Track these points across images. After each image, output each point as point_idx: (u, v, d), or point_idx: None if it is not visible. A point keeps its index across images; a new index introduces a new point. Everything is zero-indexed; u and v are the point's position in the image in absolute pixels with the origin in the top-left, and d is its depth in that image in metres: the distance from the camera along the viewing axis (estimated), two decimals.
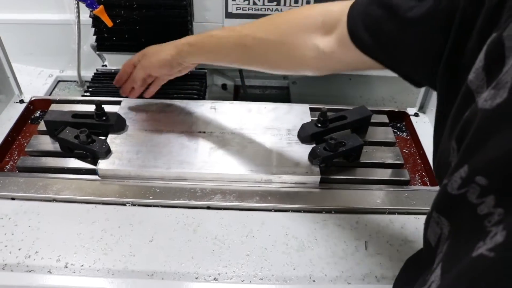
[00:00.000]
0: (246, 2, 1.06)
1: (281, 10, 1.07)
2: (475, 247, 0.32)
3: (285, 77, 1.39)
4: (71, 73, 1.38)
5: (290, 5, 1.06)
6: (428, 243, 0.46)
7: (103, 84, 1.16)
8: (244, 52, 0.75)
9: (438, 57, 0.47)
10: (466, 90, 0.38)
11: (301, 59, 0.68)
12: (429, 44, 0.49)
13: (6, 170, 0.88)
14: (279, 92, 1.39)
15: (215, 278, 0.69)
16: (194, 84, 1.15)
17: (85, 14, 1.15)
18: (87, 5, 0.87)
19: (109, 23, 0.90)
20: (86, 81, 1.34)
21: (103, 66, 1.25)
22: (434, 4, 0.47)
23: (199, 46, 0.81)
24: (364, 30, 0.56)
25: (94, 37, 1.16)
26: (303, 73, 0.73)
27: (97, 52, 1.21)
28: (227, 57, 0.79)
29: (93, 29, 1.13)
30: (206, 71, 1.20)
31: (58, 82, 1.39)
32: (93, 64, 1.29)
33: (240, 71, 1.28)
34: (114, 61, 1.21)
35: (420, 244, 0.74)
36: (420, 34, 0.50)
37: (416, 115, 1.04)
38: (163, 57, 0.86)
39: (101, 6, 0.86)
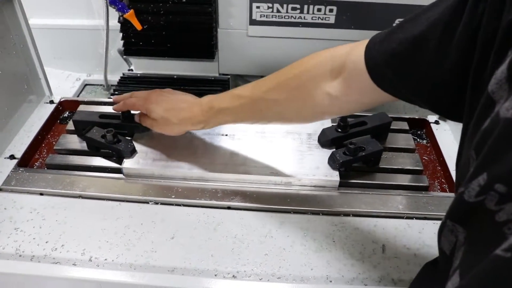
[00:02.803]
0: (270, 10, 1.09)
1: (304, 18, 1.09)
2: (493, 251, 0.33)
3: None
4: (98, 77, 1.42)
5: (313, 13, 1.08)
6: (442, 252, 0.46)
7: (129, 87, 1.20)
8: (261, 115, 0.74)
9: (465, 79, 0.46)
10: (487, 100, 0.38)
11: (316, 109, 0.68)
12: (456, 70, 0.47)
13: (35, 167, 0.92)
14: None
15: (233, 276, 0.71)
16: (217, 89, 1.18)
17: (113, 20, 1.19)
18: (118, 9, 0.90)
19: (138, 26, 0.93)
20: (112, 85, 1.38)
21: (129, 70, 1.29)
22: (460, 27, 0.46)
23: (212, 123, 0.80)
24: (387, 68, 0.54)
25: (121, 42, 1.20)
26: (321, 120, 0.74)
27: (124, 56, 1.25)
28: (248, 120, 0.77)
29: (121, 34, 1.16)
30: (229, 76, 1.23)
31: (85, 85, 1.44)
32: (119, 68, 1.33)
33: None
34: (140, 66, 1.24)
35: (438, 249, 0.75)
36: (450, 61, 0.48)
37: (436, 122, 1.04)
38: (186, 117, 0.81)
39: (132, 10, 0.90)
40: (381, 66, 0.55)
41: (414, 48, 0.51)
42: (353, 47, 0.60)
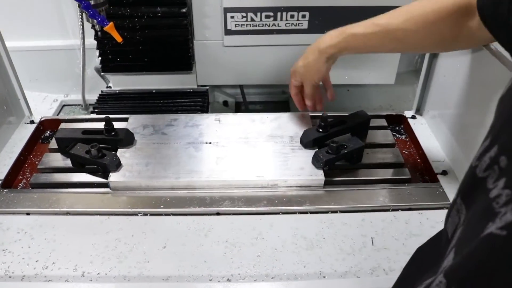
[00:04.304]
0: (244, 19, 1.11)
1: (278, 25, 1.11)
2: (484, 228, 0.33)
3: (284, 92, 1.43)
4: (75, 97, 1.42)
5: (286, 19, 1.10)
6: (446, 234, 0.46)
7: (108, 104, 1.20)
8: (397, 43, 0.81)
9: None
10: None
11: (449, 44, 0.77)
12: None
13: (19, 187, 0.91)
14: (279, 107, 1.42)
15: (228, 279, 0.71)
16: (197, 100, 1.19)
17: (88, 38, 1.19)
18: (98, 22, 0.91)
19: (118, 38, 0.94)
20: (90, 104, 1.38)
21: (107, 87, 1.29)
22: None
23: (347, 49, 0.84)
24: (489, 11, 0.59)
25: (97, 60, 1.20)
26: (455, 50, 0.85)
27: (102, 73, 1.25)
28: (380, 48, 0.85)
29: (97, 52, 1.17)
30: (207, 87, 1.24)
31: (63, 106, 1.43)
32: (96, 87, 1.33)
33: (241, 88, 1.32)
34: (118, 82, 1.25)
35: (425, 238, 0.77)
36: None
37: (413, 117, 1.07)
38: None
39: (111, 23, 0.90)
40: (485, 5, 0.61)
41: None
42: None
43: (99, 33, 0.98)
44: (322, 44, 0.85)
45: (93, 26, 1.06)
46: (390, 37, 0.79)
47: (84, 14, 1.07)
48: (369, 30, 0.79)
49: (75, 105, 1.43)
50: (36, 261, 0.74)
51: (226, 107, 1.40)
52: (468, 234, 0.37)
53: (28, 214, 0.83)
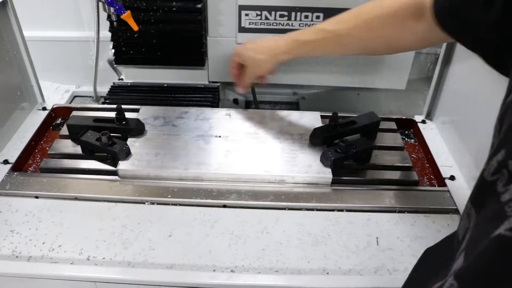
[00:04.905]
0: (259, 17, 1.12)
1: (292, 25, 1.12)
2: (494, 230, 0.33)
3: (294, 93, 1.43)
4: (87, 89, 1.43)
5: (300, 20, 1.11)
6: (457, 238, 0.46)
7: (119, 96, 1.21)
8: (344, 49, 0.84)
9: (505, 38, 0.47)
10: None
11: (399, 45, 0.76)
12: (497, 28, 0.48)
13: (29, 171, 0.92)
14: (289, 107, 1.43)
15: (232, 270, 0.71)
16: (208, 96, 1.20)
17: (103, 31, 1.20)
18: (116, 10, 0.92)
19: (135, 27, 0.95)
20: (101, 96, 1.39)
21: (119, 79, 1.30)
22: None
23: (295, 53, 0.87)
24: (449, 15, 0.59)
25: (110, 53, 1.21)
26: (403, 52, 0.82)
27: (115, 65, 1.26)
28: (325, 54, 0.89)
29: (110, 45, 1.18)
30: (219, 84, 1.25)
31: (74, 97, 1.44)
32: (107, 80, 1.33)
33: (252, 86, 1.32)
34: (131, 75, 1.26)
35: (430, 241, 0.77)
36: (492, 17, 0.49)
37: (423, 122, 1.07)
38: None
39: (128, 11, 0.92)
40: (443, 10, 0.61)
41: None
42: None
43: (115, 23, 0.99)
44: (277, 50, 0.87)
45: (109, 17, 1.08)
46: (338, 43, 0.81)
47: (100, 4, 1.08)
48: (319, 37, 0.82)
49: (86, 96, 1.44)
50: (43, 243, 0.75)
51: (236, 105, 1.40)
52: (478, 237, 0.37)
53: (37, 197, 0.83)
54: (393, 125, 1.03)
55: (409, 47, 0.80)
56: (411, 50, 0.82)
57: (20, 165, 0.92)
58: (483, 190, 0.38)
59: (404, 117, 1.07)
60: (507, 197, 0.33)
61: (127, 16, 0.92)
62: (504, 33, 0.47)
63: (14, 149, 0.95)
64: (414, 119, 1.08)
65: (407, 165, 0.91)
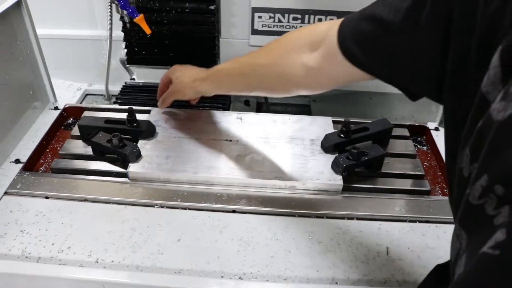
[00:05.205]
0: (272, 20, 1.11)
1: None
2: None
3: (306, 96, 1.42)
4: (99, 87, 1.43)
5: (314, 22, 1.10)
6: (451, 259, 0.46)
7: (131, 96, 1.21)
8: (245, 80, 0.81)
9: (436, 64, 0.47)
10: (481, 100, 0.38)
11: (291, 78, 0.71)
12: (424, 51, 0.49)
13: (40, 171, 0.92)
14: (300, 110, 1.42)
15: (240, 277, 0.71)
16: (219, 98, 1.19)
17: (115, 30, 1.20)
18: (129, 13, 0.92)
19: (147, 30, 0.95)
20: (113, 95, 1.39)
21: (131, 79, 1.30)
22: (426, 10, 0.47)
23: (210, 80, 0.89)
24: (355, 45, 0.57)
25: (123, 52, 1.21)
26: (297, 93, 0.75)
27: (127, 65, 1.26)
28: (234, 87, 0.87)
29: (122, 44, 1.18)
30: None
31: (86, 95, 1.44)
32: (119, 79, 1.34)
33: None
34: (142, 75, 1.26)
35: (441, 252, 0.76)
36: (412, 42, 0.50)
37: (436, 129, 1.06)
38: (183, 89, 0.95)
39: (141, 15, 0.92)
40: (350, 42, 0.58)
41: (380, 30, 0.53)
42: (333, 23, 0.63)
43: (127, 24, 0.99)
44: (197, 76, 0.91)
45: (121, 18, 1.08)
46: (243, 72, 0.81)
47: (114, 5, 1.08)
48: (233, 66, 0.83)
49: (98, 95, 1.45)
50: (52, 244, 0.75)
51: (247, 107, 1.39)
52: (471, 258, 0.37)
53: (47, 197, 0.84)
54: (405, 132, 1.02)
55: (301, 84, 0.73)
56: (308, 91, 0.75)
57: (31, 165, 0.92)
58: (471, 213, 0.38)
59: (417, 124, 1.06)
60: (500, 221, 0.33)
61: (140, 19, 0.92)
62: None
63: (25, 149, 0.95)
64: (427, 126, 1.07)
65: (419, 173, 0.90)
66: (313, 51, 0.66)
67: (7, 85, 0.93)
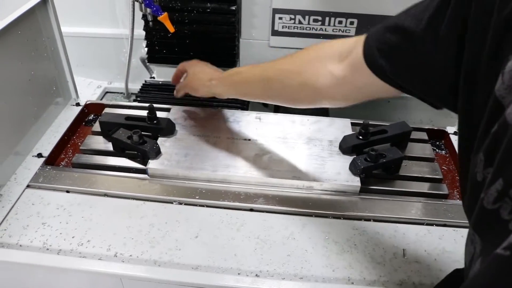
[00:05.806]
0: (292, 21, 1.11)
1: (325, 30, 1.12)
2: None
3: None
4: (118, 85, 1.45)
5: (334, 25, 1.10)
6: (465, 264, 0.46)
7: (151, 94, 1.22)
8: (265, 85, 0.79)
9: (451, 73, 0.47)
10: (495, 104, 0.38)
11: (316, 87, 0.69)
12: (442, 61, 0.49)
13: (61, 166, 0.94)
14: (318, 111, 1.42)
15: (256, 275, 0.72)
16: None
17: (137, 29, 1.22)
18: (153, 12, 0.94)
19: (171, 29, 0.96)
20: (132, 93, 1.41)
21: (151, 78, 1.32)
22: (446, 19, 0.47)
23: (228, 82, 0.88)
24: (380, 56, 0.57)
25: (143, 51, 1.23)
26: (317, 104, 0.74)
27: (148, 63, 1.28)
28: (251, 91, 0.84)
29: (143, 43, 1.19)
30: None
31: (106, 93, 1.46)
32: (138, 77, 1.36)
33: None
34: (162, 74, 1.27)
35: (458, 256, 0.75)
36: (433, 51, 0.50)
37: (455, 133, 1.05)
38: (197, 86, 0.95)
39: (166, 13, 0.93)
40: (374, 52, 0.58)
41: (402, 39, 0.53)
42: (362, 36, 0.62)
43: (150, 23, 1.00)
44: (213, 76, 0.91)
45: (144, 16, 1.09)
46: (264, 77, 0.79)
47: (136, 3, 1.09)
48: (248, 70, 0.83)
49: (118, 92, 1.47)
50: (73, 237, 0.77)
51: (265, 107, 1.40)
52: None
53: (68, 192, 0.85)
54: (424, 136, 1.02)
55: (325, 94, 0.71)
56: (331, 103, 0.73)
57: (53, 159, 0.94)
58: (485, 217, 0.38)
59: (435, 128, 1.06)
60: None
61: (164, 18, 0.93)
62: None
63: (47, 143, 0.97)
64: (446, 130, 1.06)
65: (437, 177, 0.90)
66: (341, 62, 0.66)
67: (31, 81, 0.95)
